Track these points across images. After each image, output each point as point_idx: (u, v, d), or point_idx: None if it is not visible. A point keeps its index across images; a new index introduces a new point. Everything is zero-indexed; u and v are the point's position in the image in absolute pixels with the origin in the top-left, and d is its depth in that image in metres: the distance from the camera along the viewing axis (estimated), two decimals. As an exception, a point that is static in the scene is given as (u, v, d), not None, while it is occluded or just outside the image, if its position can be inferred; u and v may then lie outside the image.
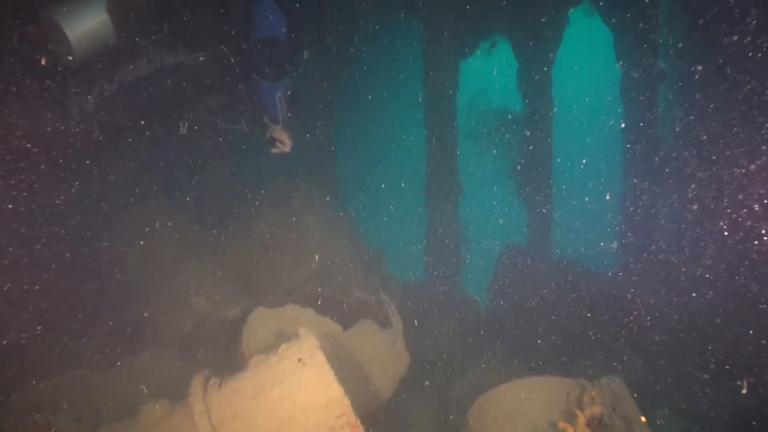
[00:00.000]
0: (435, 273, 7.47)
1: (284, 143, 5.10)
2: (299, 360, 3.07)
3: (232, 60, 4.80)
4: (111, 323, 5.21)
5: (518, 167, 7.90)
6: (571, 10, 8.16)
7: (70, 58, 4.20)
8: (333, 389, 2.97)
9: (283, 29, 4.79)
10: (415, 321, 5.81)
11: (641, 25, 7.89)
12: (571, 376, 3.56)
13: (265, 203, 6.15)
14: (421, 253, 7.62)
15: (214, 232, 6.16)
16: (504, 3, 8.00)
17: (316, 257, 6.01)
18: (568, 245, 8.51)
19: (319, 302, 4.88)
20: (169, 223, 6.02)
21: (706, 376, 5.46)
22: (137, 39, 4.56)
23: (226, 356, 4.82)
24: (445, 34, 7.74)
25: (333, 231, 6.23)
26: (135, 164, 6.10)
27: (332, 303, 4.95)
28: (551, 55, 8.07)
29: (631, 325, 6.53)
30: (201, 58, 4.72)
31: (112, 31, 4.30)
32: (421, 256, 7.61)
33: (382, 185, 9.46)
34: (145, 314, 5.40)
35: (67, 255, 5.07)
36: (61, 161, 4.66)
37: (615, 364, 5.81)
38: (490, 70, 12.05)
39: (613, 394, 3.36)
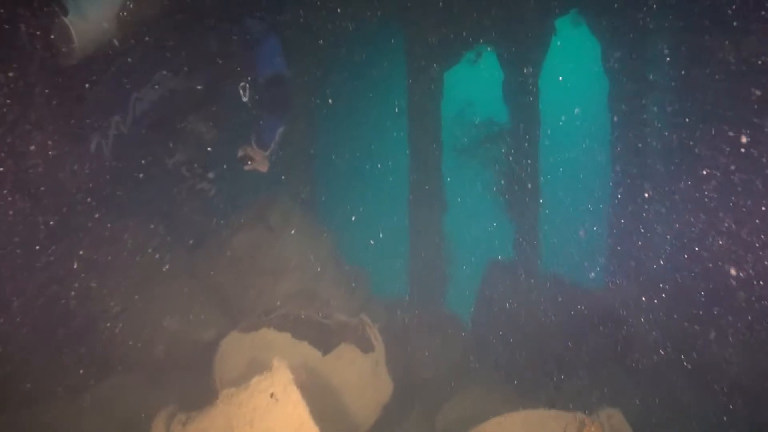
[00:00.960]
0: (419, 291, 7.21)
1: (262, 165, 5.08)
2: (272, 395, 2.80)
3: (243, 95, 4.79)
4: (75, 349, 4.90)
5: (504, 180, 7.69)
6: (558, 19, 7.97)
7: (69, 51, 3.91)
8: (307, 429, 2.71)
9: (287, 66, 4.85)
10: (399, 343, 5.56)
11: (630, 35, 7.73)
12: (566, 408, 3.31)
13: (242, 219, 5.87)
14: (404, 270, 7.36)
15: (189, 248, 5.87)
16: (489, 12, 7.81)
17: (295, 275, 5.75)
18: (555, 259, 8.28)
19: (298, 324, 4.62)
20: (141, 239, 5.74)
21: (711, 403, 5.25)
22: (146, 57, 4.42)
23: (198, 383, 4.53)
24: (428, 43, 7.54)
25: (313, 248, 5.96)
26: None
27: (311, 325, 4.69)
28: (537, 66, 7.88)
29: (625, 346, 6.33)
30: (199, 87, 4.68)
31: (116, 33, 4.06)
32: (405, 274, 7.34)
33: (364, 200, 9.19)
34: (114, 337, 5.12)
35: (25, 272, 4.76)
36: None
37: (608, 390, 5.60)
38: (475, 81, 11.83)
39: (614, 429, 3.11)
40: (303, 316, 4.77)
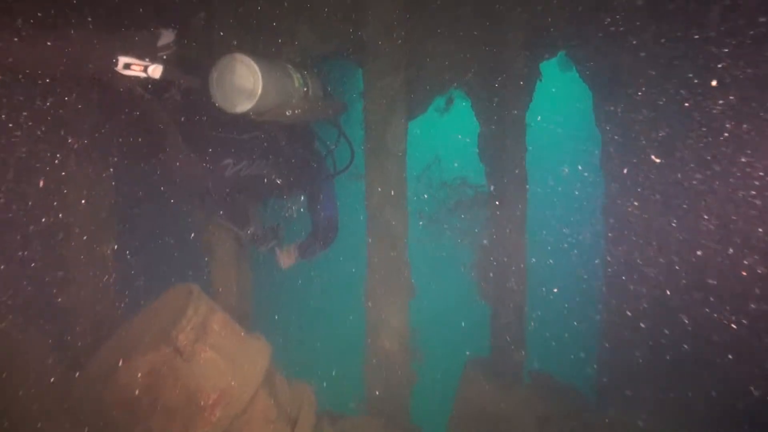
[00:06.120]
0: (378, 402, 5.74)
1: (287, 261, 5.73)
2: None
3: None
4: None
5: (483, 257, 6.32)
6: (544, 63, 6.67)
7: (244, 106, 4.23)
8: None
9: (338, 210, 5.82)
10: None
11: (627, 84, 6.46)
12: None
13: (137, 336, 4.33)
14: (360, 374, 5.88)
15: (69, 377, 4.32)
16: (463, 52, 6.48)
17: (214, 415, 4.23)
18: (543, 354, 6.94)
19: None
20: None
21: None
22: (265, 143, 4.97)
23: None
24: (391, 87, 6.15)
25: (241, 367, 4.46)
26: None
27: None
28: (520, 116, 6.53)
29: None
30: (278, 180, 5.33)
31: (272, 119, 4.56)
32: (361, 379, 5.86)
33: (310, 289, 7.61)
34: None
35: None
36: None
37: None
38: (444, 134, 10.41)
39: None
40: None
